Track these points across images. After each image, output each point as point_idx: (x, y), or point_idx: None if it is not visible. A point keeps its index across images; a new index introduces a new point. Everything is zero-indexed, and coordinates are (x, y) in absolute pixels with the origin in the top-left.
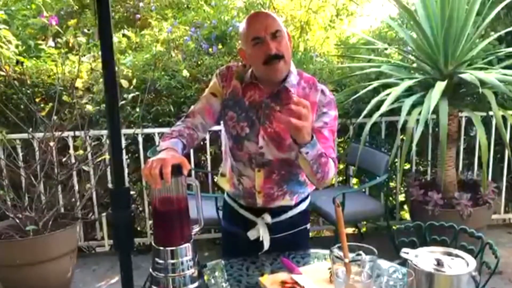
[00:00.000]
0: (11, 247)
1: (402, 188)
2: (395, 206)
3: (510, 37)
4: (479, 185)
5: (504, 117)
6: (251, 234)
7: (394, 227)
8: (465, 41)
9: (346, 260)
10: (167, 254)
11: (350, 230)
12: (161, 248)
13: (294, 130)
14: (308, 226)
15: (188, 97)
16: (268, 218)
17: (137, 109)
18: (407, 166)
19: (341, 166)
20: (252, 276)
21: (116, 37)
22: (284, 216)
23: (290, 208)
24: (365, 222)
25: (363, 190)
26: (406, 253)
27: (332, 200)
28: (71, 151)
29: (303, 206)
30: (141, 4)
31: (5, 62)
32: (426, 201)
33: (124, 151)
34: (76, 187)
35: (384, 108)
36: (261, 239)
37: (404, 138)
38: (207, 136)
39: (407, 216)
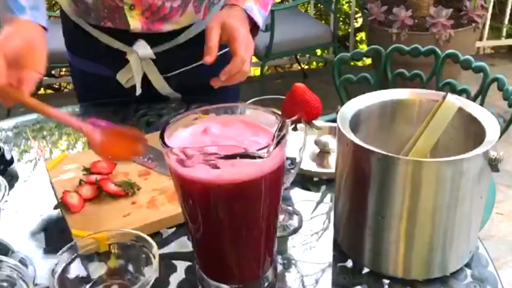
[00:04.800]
0: None
1: (358, 9)
2: (349, 34)
3: None
4: None
5: None
6: (123, 77)
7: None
8: None
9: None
10: None
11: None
12: None
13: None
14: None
15: None
16: (143, 48)
17: None
18: None
19: None
20: None
21: None
22: (184, 38)
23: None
24: (308, 56)
25: (304, 8)
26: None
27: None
28: None
29: (217, 9)
30: None
31: None
32: (389, 22)
33: None
34: None
35: None
36: (136, 83)
37: None
38: None
39: (365, 47)
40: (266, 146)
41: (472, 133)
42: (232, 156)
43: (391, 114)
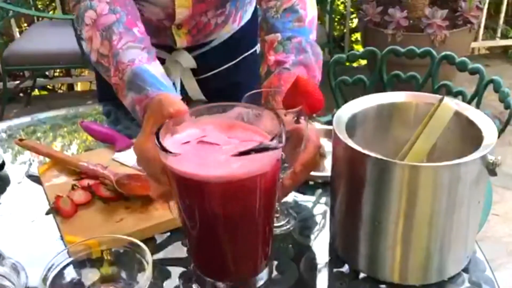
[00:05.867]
0: None
1: (353, 9)
2: (344, 34)
3: None
4: None
5: None
6: None
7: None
8: None
9: None
10: None
11: None
12: None
13: None
14: (258, 48)
15: None
16: (187, 59)
17: None
18: None
19: None
20: None
21: None
22: (217, 42)
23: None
24: None
25: None
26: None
27: None
28: None
29: (248, 15)
30: None
31: None
32: (385, 23)
33: None
34: None
35: None
36: (177, 89)
37: None
38: None
39: (360, 48)
40: (275, 136)
41: (469, 136)
42: (247, 152)
43: (387, 117)
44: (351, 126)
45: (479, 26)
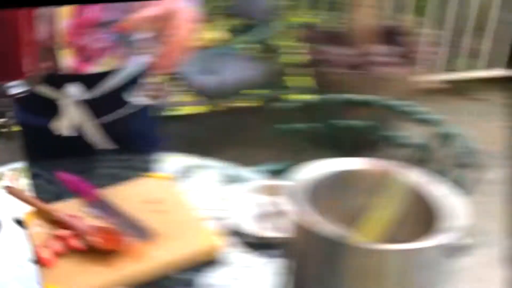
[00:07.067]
0: None
1: (299, 44)
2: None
3: None
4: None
5: None
6: (56, 125)
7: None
8: None
9: None
10: None
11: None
12: None
13: None
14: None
15: None
16: (75, 90)
17: None
18: None
19: None
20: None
21: None
22: (110, 85)
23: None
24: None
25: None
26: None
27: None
28: None
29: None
30: None
31: None
32: (330, 61)
33: None
34: None
35: None
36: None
37: None
38: None
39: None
40: None
41: (427, 208)
42: None
43: (342, 185)
44: (307, 192)
45: (432, 62)
